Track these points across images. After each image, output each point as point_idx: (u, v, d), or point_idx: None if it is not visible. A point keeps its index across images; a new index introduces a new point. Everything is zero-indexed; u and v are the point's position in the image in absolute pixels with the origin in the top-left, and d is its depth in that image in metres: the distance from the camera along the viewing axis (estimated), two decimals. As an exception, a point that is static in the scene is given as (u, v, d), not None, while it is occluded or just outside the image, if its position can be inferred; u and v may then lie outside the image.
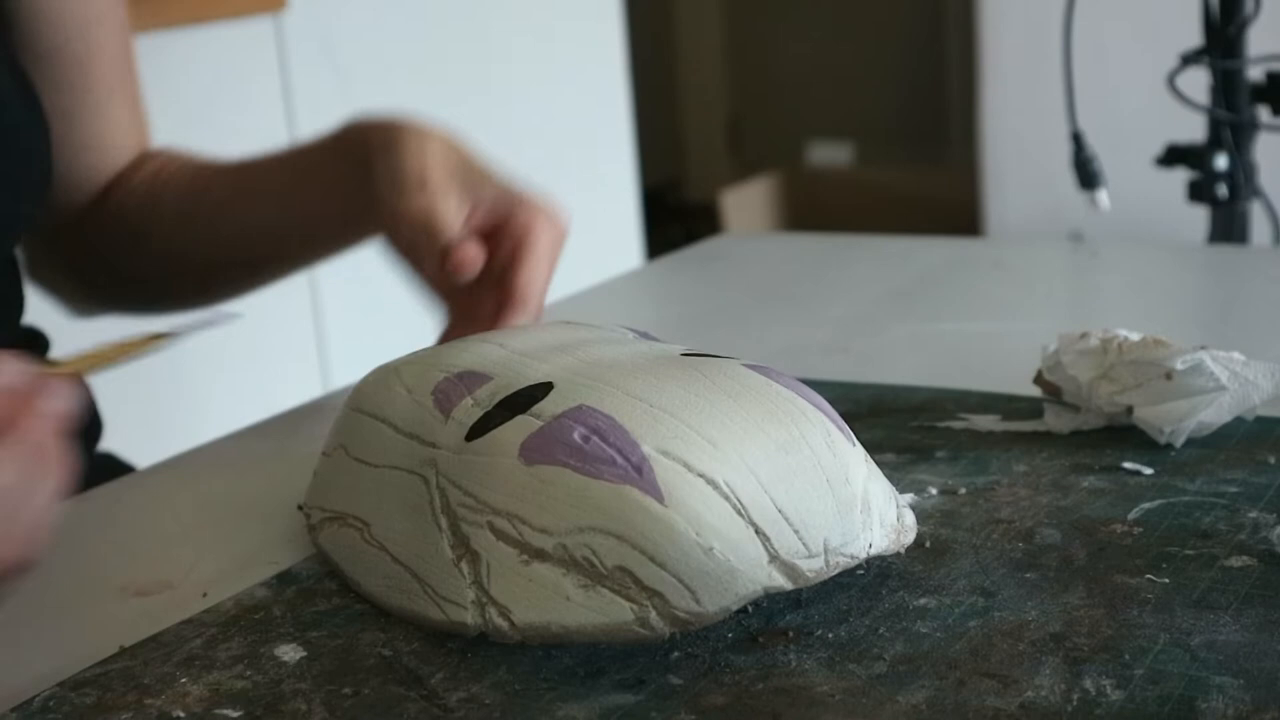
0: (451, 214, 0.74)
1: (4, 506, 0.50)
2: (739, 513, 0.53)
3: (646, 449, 0.54)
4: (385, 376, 0.64)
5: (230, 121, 1.89)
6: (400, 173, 0.75)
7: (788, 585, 0.53)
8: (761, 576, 0.53)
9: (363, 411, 0.63)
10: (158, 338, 0.58)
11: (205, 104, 1.80)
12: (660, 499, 0.52)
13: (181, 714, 0.52)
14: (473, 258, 0.72)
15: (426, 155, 0.76)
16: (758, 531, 0.53)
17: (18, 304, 0.89)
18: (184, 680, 0.54)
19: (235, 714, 0.52)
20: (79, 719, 0.52)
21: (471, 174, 0.76)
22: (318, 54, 2.01)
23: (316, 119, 2.01)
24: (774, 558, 0.53)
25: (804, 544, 0.54)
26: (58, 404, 0.51)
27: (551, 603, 0.53)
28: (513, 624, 0.53)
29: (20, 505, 0.51)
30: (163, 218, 0.91)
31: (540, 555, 0.54)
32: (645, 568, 0.52)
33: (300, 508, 0.67)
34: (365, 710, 0.52)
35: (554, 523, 0.53)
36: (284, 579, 0.62)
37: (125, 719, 0.52)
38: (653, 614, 0.52)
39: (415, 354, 0.66)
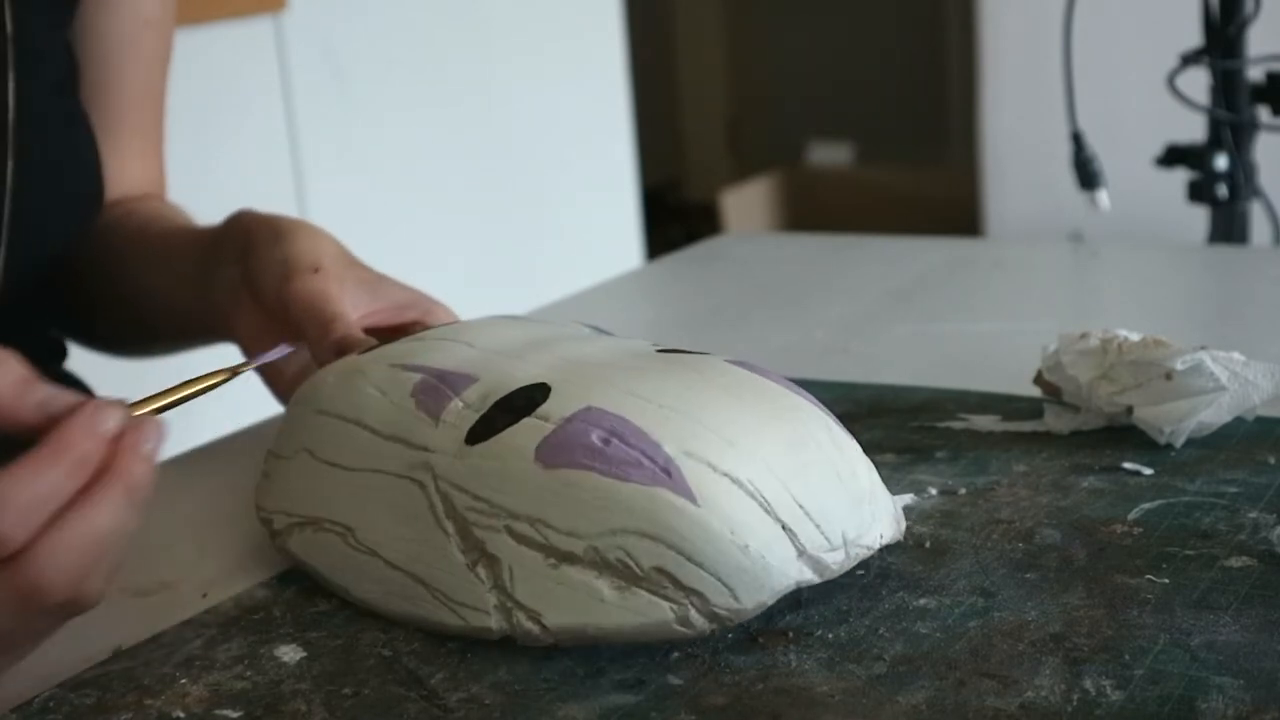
0: (346, 299, 0.72)
1: (110, 547, 0.51)
2: (765, 510, 0.54)
3: (670, 450, 0.54)
4: (348, 377, 0.63)
5: (230, 121, 1.89)
6: (293, 259, 0.73)
7: (816, 578, 0.55)
8: (793, 571, 0.54)
9: (328, 413, 0.62)
10: (226, 372, 0.60)
11: (205, 104, 1.80)
12: (693, 500, 0.53)
13: (181, 715, 0.52)
14: (363, 339, 0.69)
15: (320, 244, 0.75)
16: (784, 528, 0.54)
17: (51, 316, 0.89)
18: (184, 681, 0.54)
19: (235, 714, 0.52)
20: None
21: (372, 275, 0.75)
22: (318, 54, 2.01)
23: (316, 119, 2.02)
24: (802, 552, 0.54)
25: (825, 538, 0.55)
26: (154, 445, 0.52)
27: (586, 605, 0.53)
28: (544, 628, 0.54)
29: (120, 545, 0.52)
30: (109, 258, 0.89)
31: (569, 558, 0.54)
32: (683, 567, 0.53)
33: (258, 511, 0.65)
34: (365, 710, 0.52)
35: (582, 526, 0.54)
36: (284, 579, 0.62)
37: (125, 719, 0.52)
38: (692, 612, 0.53)
39: (373, 353, 0.65)
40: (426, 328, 0.74)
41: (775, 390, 0.59)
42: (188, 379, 0.59)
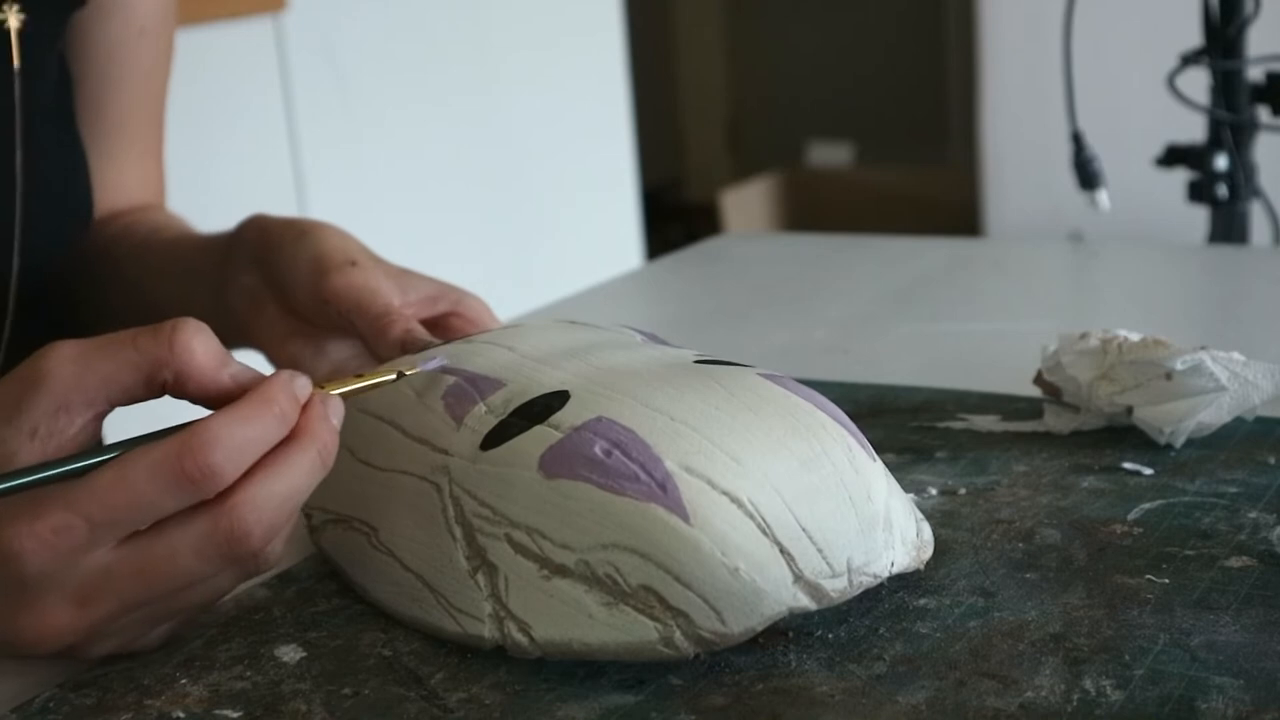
0: (386, 288, 0.72)
1: (298, 507, 0.54)
2: (763, 532, 0.52)
3: (670, 465, 0.53)
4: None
5: (230, 121, 1.89)
6: (324, 255, 0.73)
7: (812, 606, 0.53)
8: (786, 597, 0.52)
9: (368, 412, 0.63)
10: (394, 374, 0.61)
11: (205, 104, 1.80)
12: (685, 517, 0.52)
13: (181, 715, 0.52)
14: (425, 336, 0.69)
15: (347, 241, 0.75)
16: (782, 551, 0.52)
17: (56, 332, 0.89)
18: (184, 681, 0.54)
19: (235, 714, 0.52)
20: None
21: (398, 269, 0.75)
22: (318, 54, 2.01)
23: (316, 119, 2.02)
24: (799, 578, 0.53)
25: (828, 564, 0.53)
26: (338, 419, 0.56)
27: (573, 620, 0.52)
28: (533, 640, 0.53)
29: (298, 506, 0.55)
30: (110, 272, 0.89)
31: (561, 571, 0.53)
32: (670, 587, 0.52)
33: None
34: (365, 710, 0.52)
35: (576, 538, 0.53)
36: (284, 579, 0.62)
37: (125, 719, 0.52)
38: (677, 634, 0.51)
39: (419, 355, 0.65)
40: (461, 319, 0.74)
41: (800, 407, 0.57)
42: (357, 373, 0.61)
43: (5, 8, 0.77)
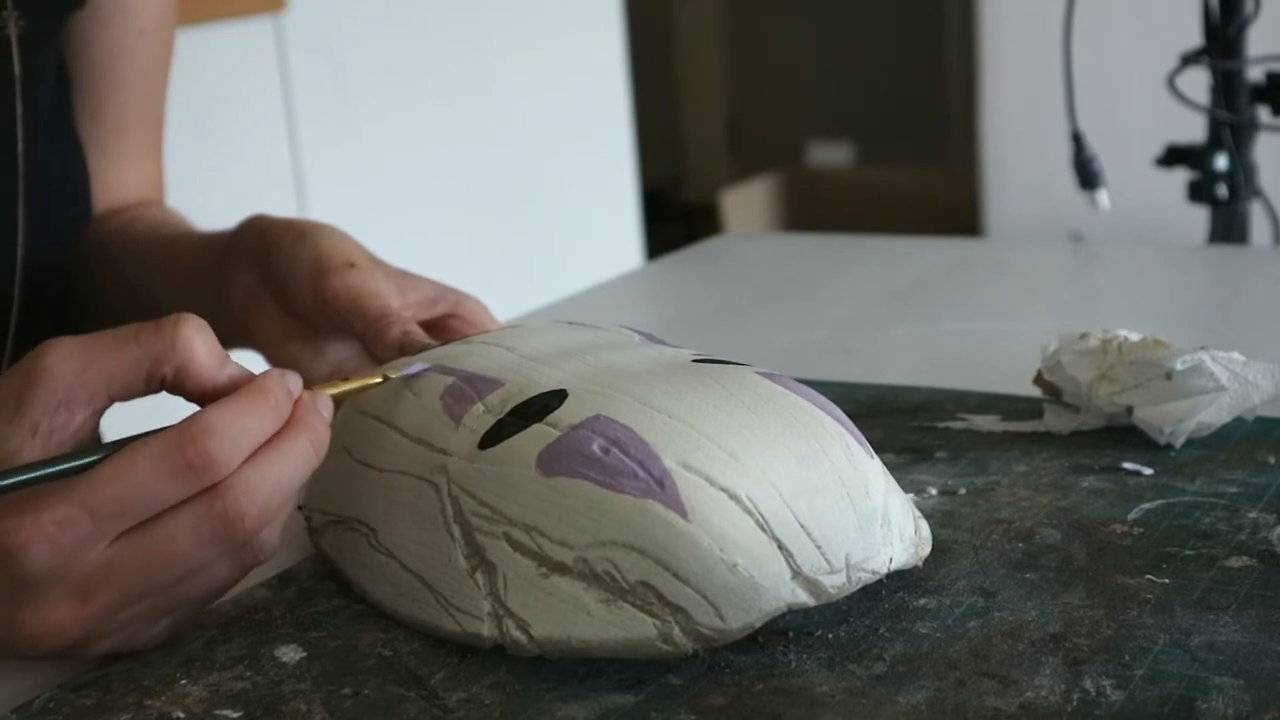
0: (385, 289, 0.72)
1: (292, 496, 0.55)
2: (762, 528, 0.52)
3: (668, 462, 0.53)
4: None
5: (230, 122, 1.89)
6: (323, 256, 0.73)
7: (811, 601, 0.53)
8: (785, 593, 0.52)
9: (366, 414, 0.63)
10: (380, 377, 0.62)
11: (205, 104, 1.80)
12: (683, 514, 0.52)
13: (181, 715, 0.52)
14: (423, 338, 0.70)
15: (346, 243, 0.75)
16: (780, 547, 0.53)
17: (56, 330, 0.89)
18: (184, 681, 0.54)
19: (235, 715, 0.52)
20: None
21: (398, 271, 0.75)
22: (318, 54, 2.01)
23: (316, 119, 2.02)
24: (797, 573, 0.53)
25: (826, 560, 0.53)
26: (328, 413, 0.57)
27: (572, 617, 0.53)
28: (531, 638, 0.53)
29: (294, 494, 0.56)
30: (108, 270, 0.89)
31: (560, 568, 0.53)
32: (669, 583, 0.52)
33: (300, 509, 0.66)
34: (365, 710, 0.52)
35: (574, 536, 0.53)
36: (284, 579, 0.62)
37: None
38: (676, 630, 0.51)
39: (416, 357, 0.65)
40: (459, 320, 0.74)
41: (798, 405, 0.57)
42: (344, 376, 0.62)
43: (4, 14, 0.77)
